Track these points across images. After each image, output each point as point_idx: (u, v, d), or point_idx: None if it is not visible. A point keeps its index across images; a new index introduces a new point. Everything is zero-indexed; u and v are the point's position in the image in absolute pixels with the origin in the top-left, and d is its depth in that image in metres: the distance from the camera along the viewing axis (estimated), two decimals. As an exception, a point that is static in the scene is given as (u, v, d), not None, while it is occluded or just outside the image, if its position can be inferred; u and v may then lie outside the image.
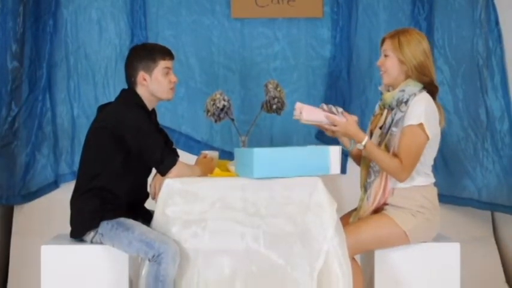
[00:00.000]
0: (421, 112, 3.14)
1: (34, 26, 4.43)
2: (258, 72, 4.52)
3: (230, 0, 4.49)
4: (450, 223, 4.15)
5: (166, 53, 3.32)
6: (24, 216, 4.41)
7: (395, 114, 3.20)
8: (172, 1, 4.52)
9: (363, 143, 3.14)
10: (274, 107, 3.65)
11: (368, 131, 3.40)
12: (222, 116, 3.62)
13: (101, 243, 3.19)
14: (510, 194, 4.35)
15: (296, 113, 3.15)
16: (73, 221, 3.27)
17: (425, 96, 3.21)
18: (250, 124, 3.75)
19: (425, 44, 3.26)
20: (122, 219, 3.18)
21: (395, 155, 3.17)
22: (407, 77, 3.24)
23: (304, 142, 4.36)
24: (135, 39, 4.44)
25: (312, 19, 4.53)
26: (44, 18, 4.42)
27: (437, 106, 3.25)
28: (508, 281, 4.40)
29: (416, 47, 3.23)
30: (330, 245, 3.04)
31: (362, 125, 3.45)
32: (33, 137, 4.41)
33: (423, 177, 3.25)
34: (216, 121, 3.65)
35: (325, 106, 3.20)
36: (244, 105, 4.46)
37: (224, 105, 3.59)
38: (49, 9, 4.42)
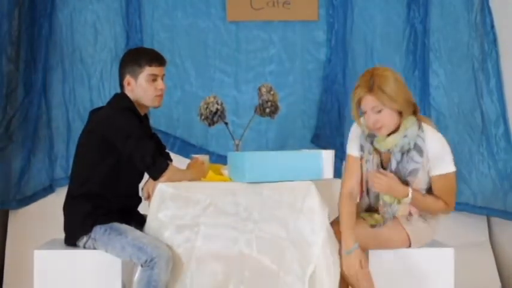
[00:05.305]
0: (449, 157, 3.10)
1: (29, 29, 4.43)
2: (253, 76, 4.52)
3: (225, 3, 4.49)
4: (446, 228, 4.11)
5: (154, 60, 3.27)
6: (19, 220, 4.40)
7: (407, 163, 3.10)
8: (168, 4, 4.52)
9: (410, 196, 3.07)
10: (268, 110, 3.63)
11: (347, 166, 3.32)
12: (215, 119, 3.61)
13: (94, 248, 3.17)
14: (506, 199, 4.35)
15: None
16: (66, 227, 3.27)
17: (431, 134, 3.11)
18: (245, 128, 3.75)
19: (396, 75, 3.11)
20: (115, 224, 3.17)
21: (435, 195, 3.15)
22: (401, 116, 3.10)
23: (300, 146, 4.34)
24: (130, 42, 4.44)
25: (308, 22, 4.53)
26: (40, 21, 4.42)
27: (423, 119, 3.18)
28: (503, 285, 4.39)
29: (398, 85, 3.06)
30: (321, 250, 3.03)
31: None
32: (28, 141, 4.40)
33: None
34: (209, 125, 3.64)
35: None
36: (239, 109, 4.45)
37: (217, 109, 3.58)
38: (44, 12, 4.42)
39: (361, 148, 3.24)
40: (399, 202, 3.12)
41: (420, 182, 3.14)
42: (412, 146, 3.09)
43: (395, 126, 3.10)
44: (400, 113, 3.09)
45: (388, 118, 3.07)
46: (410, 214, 3.19)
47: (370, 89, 3.03)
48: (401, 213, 3.15)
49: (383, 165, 3.20)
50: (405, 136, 3.09)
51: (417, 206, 3.16)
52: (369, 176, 3.15)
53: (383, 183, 3.08)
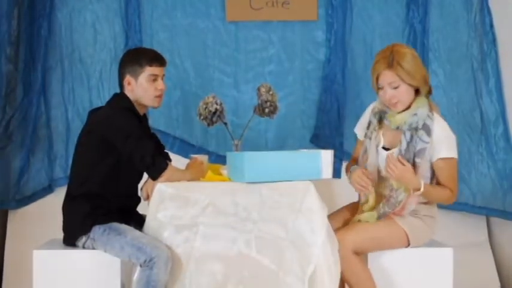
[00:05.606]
0: (453, 144, 3.16)
1: (29, 29, 4.42)
2: (253, 76, 4.52)
3: (225, 3, 4.49)
4: (445, 228, 4.13)
5: (155, 60, 3.28)
6: (19, 220, 4.39)
7: (416, 142, 3.14)
8: (167, 4, 4.51)
9: (422, 189, 3.10)
10: (267, 110, 3.63)
11: (358, 141, 3.43)
12: (214, 119, 3.60)
13: (93, 248, 3.18)
14: (505, 199, 4.34)
15: None
16: (65, 227, 3.27)
17: (441, 120, 3.19)
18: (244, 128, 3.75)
19: (414, 52, 3.20)
20: (114, 224, 3.17)
21: (439, 184, 3.19)
22: (417, 94, 3.18)
23: (299, 146, 4.35)
24: (129, 42, 4.44)
25: (307, 22, 4.53)
26: (39, 21, 4.41)
27: (433, 106, 3.23)
28: (503, 285, 4.39)
29: (416, 62, 3.15)
30: (321, 250, 3.03)
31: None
32: (27, 141, 4.39)
33: None
34: (208, 125, 3.64)
35: None
36: (239, 109, 4.45)
37: (216, 109, 3.58)
38: (43, 12, 4.41)
39: (368, 125, 3.32)
40: (407, 190, 3.14)
41: (424, 168, 3.16)
42: (420, 125, 3.14)
43: (410, 103, 3.17)
44: (417, 91, 3.17)
45: (404, 94, 3.15)
46: (403, 208, 3.19)
47: (390, 65, 3.12)
48: (401, 198, 3.16)
49: (384, 145, 3.23)
50: (415, 114, 3.15)
51: (427, 197, 3.18)
52: (386, 159, 3.17)
53: (397, 171, 3.09)
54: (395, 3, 4.51)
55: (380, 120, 3.27)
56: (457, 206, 4.39)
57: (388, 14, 4.52)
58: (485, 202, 4.40)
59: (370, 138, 3.29)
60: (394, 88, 3.13)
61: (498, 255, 4.46)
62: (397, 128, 3.19)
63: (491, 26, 4.42)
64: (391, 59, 3.12)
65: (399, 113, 3.18)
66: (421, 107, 3.15)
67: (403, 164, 3.10)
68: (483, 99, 4.45)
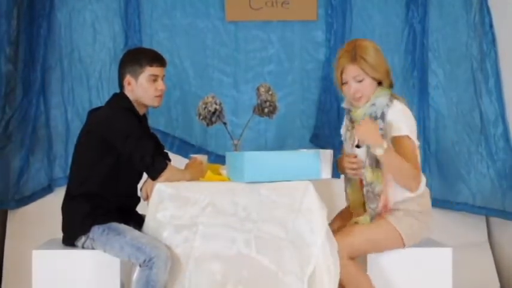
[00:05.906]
0: (404, 123, 3.13)
1: (28, 28, 4.42)
2: (252, 76, 4.52)
3: (224, 3, 4.49)
4: (445, 228, 4.14)
5: (155, 60, 3.29)
6: (18, 220, 4.39)
7: None
8: (167, 4, 4.52)
9: (385, 145, 3.03)
10: (266, 110, 3.62)
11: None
12: (214, 119, 3.60)
13: (92, 248, 3.18)
14: (504, 199, 4.34)
15: None
16: (64, 227, 3.27)
17: (398, 105, 3.18)
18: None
19: (377, 46, 3.23)
20: (114, 224, 3.17)
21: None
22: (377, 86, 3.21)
23: (299, 146, 4.35)
24: (129, 42, 4.44)
25: (306, 22, 4.53)
26: (38, 21, 4.41)
27: (398, 98, 3.23)
28: (502, 285, 4.38)
29: (379, 55, 3.19)
30: (321, 250, 3.03)
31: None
32: (27, 141, 4.39)
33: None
34: (207, 125, 3.63)
35: None
36: (238, 109, 4.45)
37: (216, 109, 3.57)
38: (43, 11, 4.41)
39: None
40: (380, 182, 3.13)
41: None
42: (379, 114, 3.15)
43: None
44: (380, 84, 3.19)
45: (368, 88, 3.18)
46: (386, 203, 3.18)
47: (353, 59, 3.15)
48: (378, 191, 3.15)
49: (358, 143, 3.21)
50: (373, 104, 3.17)
51: (390, 163, 3.09)
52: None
53: (361, 128, 3.06)
54: (395, 3, 4.51)
55: (352, 119, 3.29)
56: (456, 206, 4.40)
57: (387, 14, 4.52)
58: (485, 202, 4.39)
59: (345, 140, 3.33)
60: (359, 82, 3.17)
61: (498, 255, 4.45)
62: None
63: (491, 25, 4.41)
64: (354, 53, 3.17)
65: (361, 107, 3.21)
66: (379, 96, 3.17)
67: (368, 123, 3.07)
68: (483, 99, 4.44)
